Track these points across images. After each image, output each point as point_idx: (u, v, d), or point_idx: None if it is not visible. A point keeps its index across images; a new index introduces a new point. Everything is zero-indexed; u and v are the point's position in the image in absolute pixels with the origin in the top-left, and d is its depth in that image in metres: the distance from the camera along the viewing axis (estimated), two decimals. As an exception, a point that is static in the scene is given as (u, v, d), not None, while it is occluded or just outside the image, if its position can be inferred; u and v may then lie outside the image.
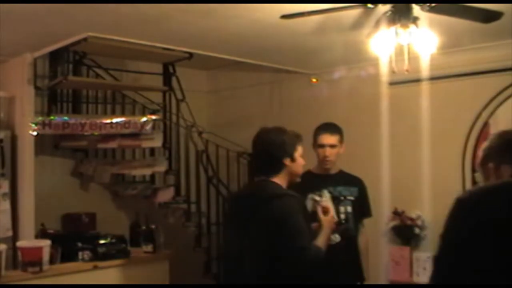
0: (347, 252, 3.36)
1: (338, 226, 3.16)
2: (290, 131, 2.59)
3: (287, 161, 2.51)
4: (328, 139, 3.39)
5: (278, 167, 2.51)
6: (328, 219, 2.63)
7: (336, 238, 3.26)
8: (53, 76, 4.66)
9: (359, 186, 3.51)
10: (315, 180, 3.36)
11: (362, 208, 3.51)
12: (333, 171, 3.49)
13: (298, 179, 2.64)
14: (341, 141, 3.42)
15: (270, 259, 2.35)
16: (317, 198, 3.15)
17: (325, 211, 2.66)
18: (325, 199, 3.13)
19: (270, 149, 2.53)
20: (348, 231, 3.38)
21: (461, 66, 4.36)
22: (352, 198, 3.43)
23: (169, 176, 5.20)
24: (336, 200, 3.29)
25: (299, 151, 2.57)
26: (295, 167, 2.56)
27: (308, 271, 2.31)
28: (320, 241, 2.45)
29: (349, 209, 3.40)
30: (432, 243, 4.53)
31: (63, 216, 5.01)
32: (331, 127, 3.46)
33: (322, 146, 3.39)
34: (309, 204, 3.16)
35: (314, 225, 2.61)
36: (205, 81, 6.33)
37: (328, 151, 3.38)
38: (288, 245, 2.31)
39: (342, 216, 3.34)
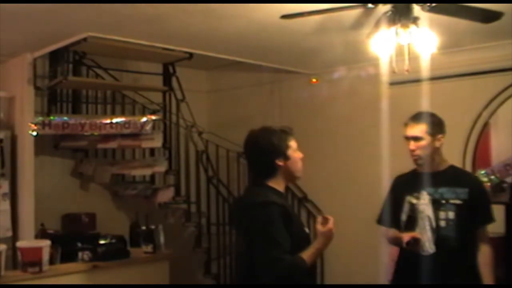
0: (445, 267, 2.80)
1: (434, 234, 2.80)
2: (277, 129, 2.47)
3: (280, 162, 2.41)
4: (411, 130, 2.90)
5: (272, 170, 2.42)
6: (324, 231, 2.37)
7: (431, 248, 2.81)
8: (53, 76, 4.66)
9: (470, 187, 2.85)
10: (415, 180, 2.93)
11: (475, 213, 2.83)
12: (439, 168, 2.93)
13: (299, 174, 2.50)
14: (430, 132, 2.86)
15: (248, 267, 2.34)
16: (414, 201, 2.87)
17: (325, 221, 2.40)
18: (424, 202, 2.82)
19: (259, 154, 2.44)
20: (446, 241, 2.80)
21: (461, 66, 4.35)
22: (458, 201, 2.81)
23: (169, 176, 5.20)
24: (436, 204, 2.83)
25: (292, 147, 2.45)
26: (292, 165, 2.44)
27: (282, 282, 2.24)
28: (309, 253, 2.31)
29: (451, 215, 2.80)
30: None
31: (63, 216, 5.01)
32: (417, 116, 2.93)
33: (407, 138, 2.92)
34: (406, 208, 2.91)
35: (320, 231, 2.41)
36: (205, 81, 6.33)
37: (413, 145, 2.88)
38: (261, 255, 2.26)
39: (442, 223, 2.81)
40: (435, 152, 2.90)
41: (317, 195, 5.23)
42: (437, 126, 2.91)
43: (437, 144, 2.89)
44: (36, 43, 4.22)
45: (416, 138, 2.87)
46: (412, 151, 2.89)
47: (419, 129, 2.87)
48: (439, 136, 2.90)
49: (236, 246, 2.57)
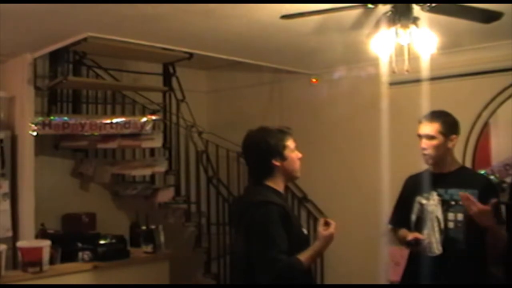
0: (451, 268, 2.74)
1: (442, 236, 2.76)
2: (275, 129, 2.46)
3: (277, 162, 2.41)
4: (424, 128, 2.85)
5: (269, 170, 2.43)
6: (326, 235, 2.35)
7: (439, 250, 2.77)
8: (53, 76, 4.66)
9: (480, 189, 2.77)
10: (426, 180, 2.91)
11: None
12: (450, 168, 2.89)
13: (297, 174, 2.50)
14: (444, 132, 2.81)
15: (246, 266, 2.34)
16: (424, 201, 2.84)
17: (327, 224, 2.38)
18: (433, 202, 2.80)
19: (256, 154, 2.44)
20: (453, 243, 2.76)
21: (461, 66, 4.35)
22: None
23: (169, 176, 5.20)
24: (445, 205, 2.79)
25: (290, 147, 2.44)
26: (289, 165, 2.45)
27: (278, 282, 2.23)
28: (307, 254, 2.31)
29: (460, 216, 2.75)
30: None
31: (63, 216, 5.01)
32: (432, 114, 2.89)
33: (419, 136, 2.87)
34: (415, 208, 2.89)
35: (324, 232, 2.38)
36: (204, 81, 6.34)
37: (424, 143, 2.83)
38: (259, 255, 2.27)
39: (451, 224, 2.77)
40: (447, 152, 2.86)
41: (317, 195, 5.23)
42: (451, 126, 2.86)
43: (450, 144, 2.85)
44: (36, 43, 4.22)
45: (429, 137, 2.83)
46: (423, 149, 2.85)
47: (433, 127, 2.82)
48: (452, 136, 2.85)
49: (234, 245, 2.57)
